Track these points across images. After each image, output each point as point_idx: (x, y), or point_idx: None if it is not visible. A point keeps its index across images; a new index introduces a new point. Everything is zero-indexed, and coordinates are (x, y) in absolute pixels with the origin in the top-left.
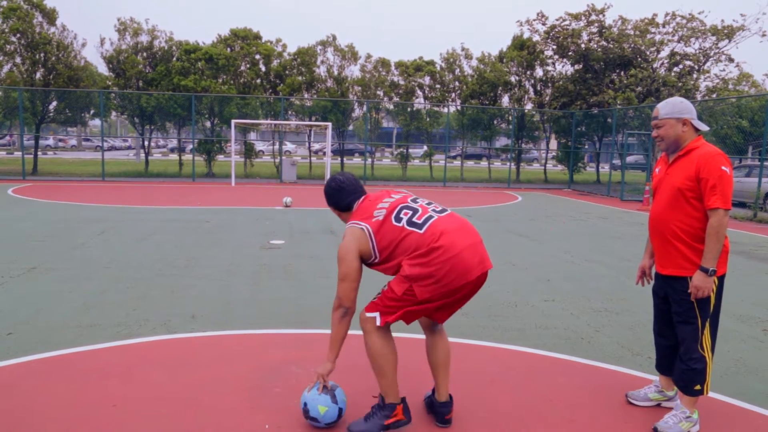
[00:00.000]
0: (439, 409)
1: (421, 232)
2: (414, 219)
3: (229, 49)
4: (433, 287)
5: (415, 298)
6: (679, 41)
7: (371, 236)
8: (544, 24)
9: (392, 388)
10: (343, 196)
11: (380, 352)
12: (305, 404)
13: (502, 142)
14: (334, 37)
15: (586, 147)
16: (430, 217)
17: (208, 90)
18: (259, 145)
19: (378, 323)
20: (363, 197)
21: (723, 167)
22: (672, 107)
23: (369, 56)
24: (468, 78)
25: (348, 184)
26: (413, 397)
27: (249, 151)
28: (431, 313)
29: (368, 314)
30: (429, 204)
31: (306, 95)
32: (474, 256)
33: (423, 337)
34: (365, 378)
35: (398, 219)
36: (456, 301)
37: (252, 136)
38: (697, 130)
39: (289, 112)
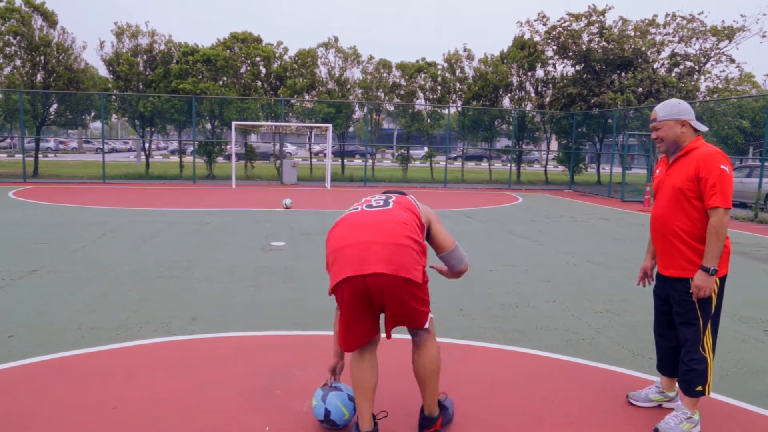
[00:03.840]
0: (420, 421)
1: (337, 221)
2: (348, 210)
3: (228, 51)
4: (331, 277)
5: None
6: (679, 42)
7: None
8: (545, 24)
9: (360, 410)
10: None
11: (351, 370)
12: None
13: (502, 143)
14: (336, 39)
15: (587, 148)
16: (354, 209)
17: (206, 92)
18: (260, 148)
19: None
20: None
21: (722, 166)
22: (670, 109)
23: (371, 57)
24: (470, 79)
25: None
26: (412, 402)
27: (250, 153)
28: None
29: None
30: (376, 198)
31: (306, 97)
32: (355, 255)
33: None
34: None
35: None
36: (353, 303)
37: (252, 138)
38: (696, 130)
39: (290, 115)
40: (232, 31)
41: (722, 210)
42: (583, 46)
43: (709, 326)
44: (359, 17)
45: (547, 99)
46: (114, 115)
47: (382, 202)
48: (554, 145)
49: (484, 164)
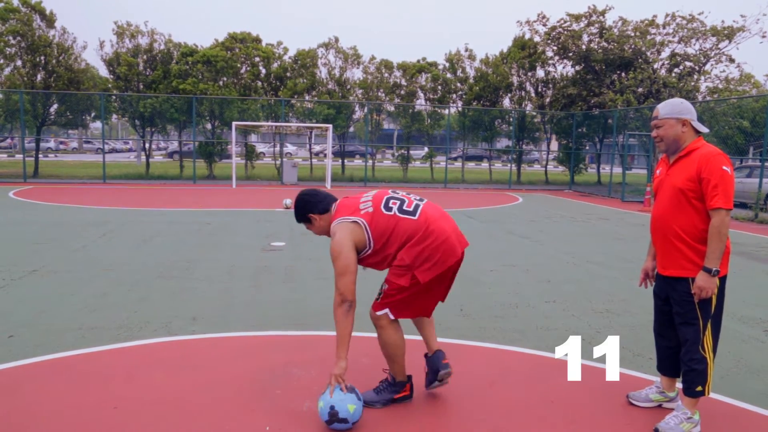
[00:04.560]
0: (433, 360)
1: (415, 218)
2: (404, 207)
3: (228, 52)
4: (432, 269)
5: (419, 283)
6: (679, 42)
7: (366, 227)
8: (545, 25)
9: (402, 370)
10: (319, 199)
11: (395, 344)
12: (332, 407)
13: (503, 143)
14: (336, 39)
15: (587, 148)
16: (418, 205)
17: (207, 93)
18: (260, 147)
19: (391, 317)
20: (338, 200)
21: (724, 167)
22: (672, 107)
23: (372, 58)
24: (471, 80)
25: (320, 191)
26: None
27: (250, 153)
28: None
29: (378, 312)
30: (409, 194)
31: (307, 97)
32: (456, 237)
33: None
34: (371, 377)
35: (388, 208)
36: (449, 279)
37: (253, 138)
38: (697, 131)
39: (290, 115)
40: (231, 31)
41: (724, 211)
42: (583, 47)
43: (709, 326)
44: (359, 17)
45: (548, 99)
46: (114, 116)
47: (419, 197)
48: (554, 145)
49: (485, 164)
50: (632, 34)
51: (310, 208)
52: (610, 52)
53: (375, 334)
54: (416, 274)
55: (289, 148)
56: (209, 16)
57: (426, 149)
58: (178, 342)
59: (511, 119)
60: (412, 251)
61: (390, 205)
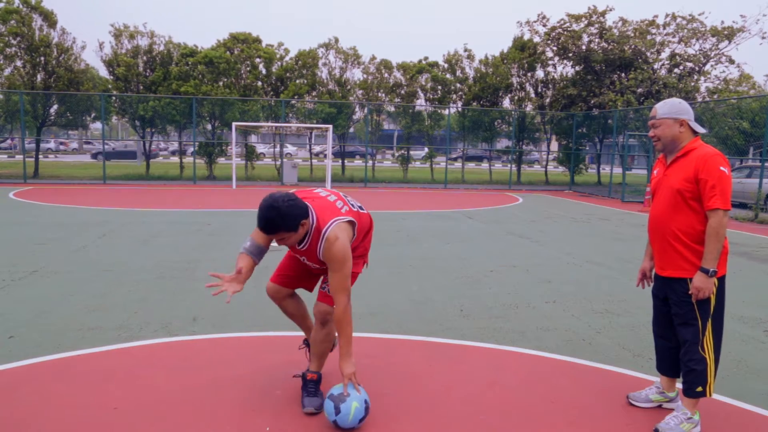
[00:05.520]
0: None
1: (366, 211)
2: (356, 203)
3: (229, 52)
4: (367, 253)
5: (364, 266)
6: (679, 42)
7: (355, 224)
8: (545, 25)
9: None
10: (300, 202)
11: (334, 335)
12: (366, 401)
13: (503, 143)
14: (336, 40)
15: (587, 148)
16: (359, 206)
17: (208, 95)
18: (260, 148)
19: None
20: (304, 200)
21: (722, 168)
22: (670, 107)
23: (373, 58)
24: (470, 80)
25: (292, 193)
26: (411, 398)
27: (250, 154)
28: None
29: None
30: (348, 199)
31: (307, 98)
32: None
33: (422, 338)
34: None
35: (352, 205)
36: None
37: (253, 138)
38: (694, 132)
39: (290, 115)
40: (232, 31)
41: (722, 212)
42: (583, 47)
43: (709, 326)
44: (360, 17)
45: (547, 100)
46: (114, 116)
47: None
48: (554, 145)
49: (485, 165)
50: (632, 35)
51: (302, 213)
52: (610, 53)
53: (376, 335)
54: (366, 257)
55: (289, 148)
56: (209, 17)
57: (426, 150)
58: (178, 342)
59: (511, 120)
60: (367, 239)
61: (351, 201)
